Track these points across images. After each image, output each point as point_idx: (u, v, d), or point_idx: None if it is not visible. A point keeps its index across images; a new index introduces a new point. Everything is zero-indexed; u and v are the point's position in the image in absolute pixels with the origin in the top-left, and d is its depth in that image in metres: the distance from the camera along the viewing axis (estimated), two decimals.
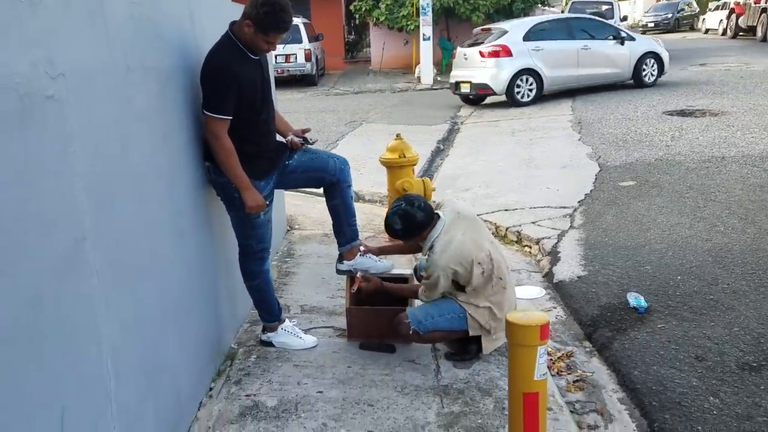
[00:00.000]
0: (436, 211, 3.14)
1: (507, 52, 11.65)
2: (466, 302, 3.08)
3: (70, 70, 1.80)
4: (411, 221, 3.04)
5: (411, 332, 3.08)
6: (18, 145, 1.56)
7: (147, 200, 2.35)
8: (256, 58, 2.92)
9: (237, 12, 3.61)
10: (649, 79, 12.65)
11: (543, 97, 11.89)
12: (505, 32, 12.16)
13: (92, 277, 1.88)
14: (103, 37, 2.07)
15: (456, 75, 12.58)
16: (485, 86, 11.80)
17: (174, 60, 2.73)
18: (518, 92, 11.75)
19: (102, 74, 2.04)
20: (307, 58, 17.04)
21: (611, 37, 12.54)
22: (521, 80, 11.69)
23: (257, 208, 2.97)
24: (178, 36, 2.84)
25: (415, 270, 3.53)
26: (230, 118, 2.80)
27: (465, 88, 12.23)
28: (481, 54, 11.85)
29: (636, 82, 12.63)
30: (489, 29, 13.08)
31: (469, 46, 12.59)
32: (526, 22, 12.89)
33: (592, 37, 12.37)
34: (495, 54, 11.70)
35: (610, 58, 12.35)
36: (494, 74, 11.65)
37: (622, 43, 12.41)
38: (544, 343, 2.01)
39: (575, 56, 12.04)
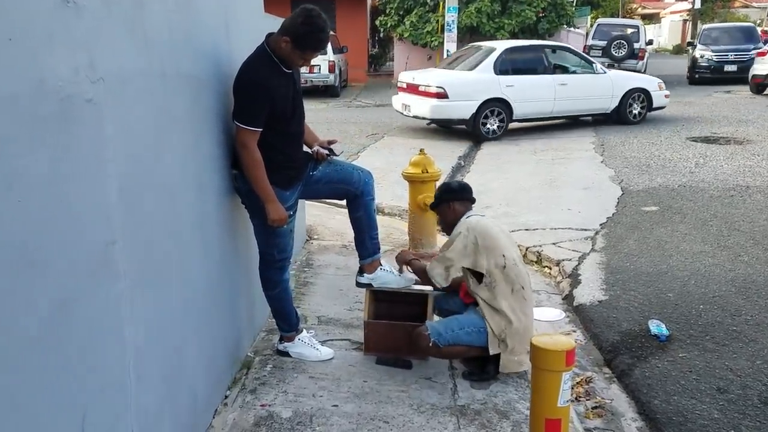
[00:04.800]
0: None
1: None
2: (485, 303, 3.06)
3: (109, 75, 1.82)
4: (448, 186, 3.49)
5: (431, 344, 3.06)
6: (56, 146, 1.57)
7: (175, 205, 2.36)
8: (289, 71, 2.95)
9: (270, 24, 3.66)
10: None
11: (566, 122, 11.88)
12: None
13: (120, 280, 1.89)
14: (142, 43, 2.09)
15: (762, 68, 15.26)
16: None
17: (207, 68, 2.76)
18: None
19: (139, 79, 2.06)
20: (331, 70, 17.14)
21: None
22: None
23: (279, 222, 2.98)
24: (213, 45, 2.87)
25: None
26: (261, 129, 2.82)
27: None
28: None
29: None
30: None
31: None
32: None
33: None
34: None
35: None
36: None
37: None
38: (569, 369, 1.98)
39: None
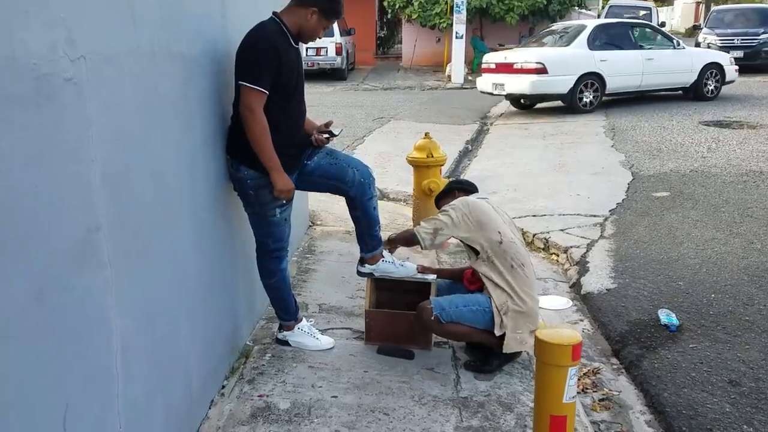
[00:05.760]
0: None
1: None
2: (485, 277, 3.01)
3: (92, 53, 1.72)
4: (457, 179, 3.76)
5: (432, 318, 2.97)
6: (31, 128, 1.48)
7: (166, 190, 2.27)
8: (296, 46, 2.90)
9: (274, 1, 3.54)
10: None
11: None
12: None
13: (104, 269, 1.81)
14: (129, 19, 1.99)
15: None
16: None
17: (201, 47, 2.65)
18: None
19: (126, 58, 1.96)
20: (338, 52, 16.97)
21: None
22: None
23: (287, 192, 2.87)
24: (207, 23, 2.76)
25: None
26: (266, 93, 2.71)
27: None
28: None
29: None
30: None
31: None
32: None
33: None
34: None
35: None
36: None
37: None
38: (575, 364, 1.89)
39: None
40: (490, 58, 11.96)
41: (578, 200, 6.05)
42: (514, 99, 11.75)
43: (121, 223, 1.90)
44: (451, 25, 16.99)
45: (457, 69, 16.72)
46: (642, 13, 20.11)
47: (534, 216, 5.63)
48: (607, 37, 11.33)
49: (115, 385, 1.89)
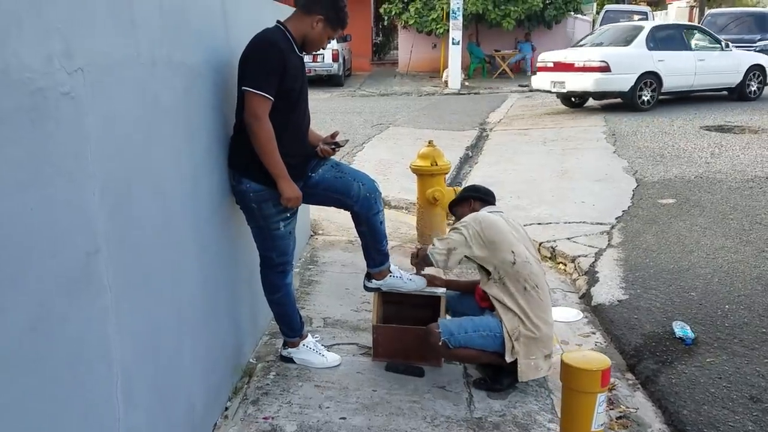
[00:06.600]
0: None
1: None
2: (496, 300, 2.89)
3: (90, 64, 1.62)
4: (474, 185, 3.49)
5: (440, 343, 2.86)
6: (26, 146, 1.37)
7: (167, 206, 2.16)
8: (301, 55, 2.82)
9: (272, 9, 3.45)
10: None
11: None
12: None
13: (104, 294, 1.70)
14: (129, 27, 1.88)
15: None
16: None
17: (202, 56, 2.54)
18: None
19: (125, 68, 1.85)
20: (335, 59, 16.90)
21: None
22: None
23: (295, 201, 2.76)
24: (208, 31, 2.66)
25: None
26: (272, 99, 2.62)
27: None
28: None
29: None
30: None
31: None
32: None
33: None
34: None
35: None
36: None
37: None
38: (604, 390, 1.78)
39: None
40: (549, 57, 12.26)
41: (583, 207, 5.96)
42: (566, 98, 12.17)
43: (122, 244, 1.80)
44: (448, 30, 16.93)
45: (453, 75, 16.65)
46: (637, 17, 20.07)
47: (539, 224, 5.53)
48: (663, 38, 11.71)
49: (116, 414, 1.78)
